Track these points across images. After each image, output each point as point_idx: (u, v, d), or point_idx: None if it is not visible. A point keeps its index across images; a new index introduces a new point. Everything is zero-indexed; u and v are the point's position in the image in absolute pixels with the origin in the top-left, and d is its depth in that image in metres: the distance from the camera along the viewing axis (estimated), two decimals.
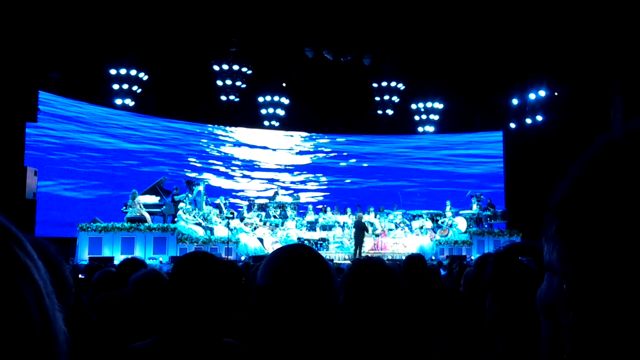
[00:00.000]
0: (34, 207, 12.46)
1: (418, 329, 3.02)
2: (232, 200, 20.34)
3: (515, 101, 20.37)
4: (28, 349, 0.45)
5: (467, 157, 23.39)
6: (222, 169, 22.45)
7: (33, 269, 0.48)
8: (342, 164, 23.79)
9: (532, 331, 1.21)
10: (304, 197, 21.00)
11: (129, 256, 4.57)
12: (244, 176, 22.83)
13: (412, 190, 22.60)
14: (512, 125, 21.07)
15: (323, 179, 23.65)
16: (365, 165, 23.81)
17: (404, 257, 7.57)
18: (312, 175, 23.64)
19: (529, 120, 20.10)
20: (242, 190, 22.32)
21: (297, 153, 23.59)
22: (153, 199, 16.82)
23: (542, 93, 19.24)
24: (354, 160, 23.83)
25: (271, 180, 22.73)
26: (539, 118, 19.72)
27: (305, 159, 23.64)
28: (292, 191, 21.59)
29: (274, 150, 23.25)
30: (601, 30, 15.21)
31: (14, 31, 12.89)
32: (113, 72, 17.40)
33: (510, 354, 1.24)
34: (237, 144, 22.78)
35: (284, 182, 22.64)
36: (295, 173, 23.49)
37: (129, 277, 2.71)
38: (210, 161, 22.21)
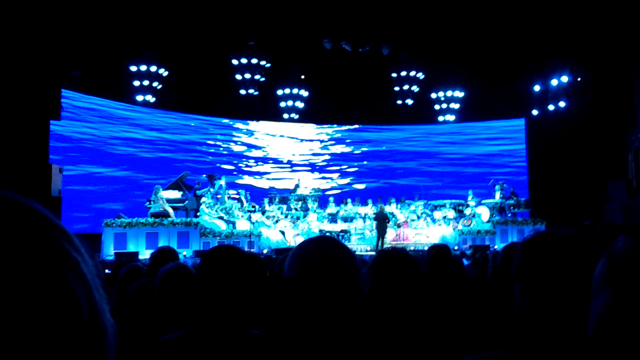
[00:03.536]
0: (59, 204, 12.66)
1: (443, 319, 3.01)
2: (254, 185, 20.48)
3: (537, 87, 20.07)
4: (80, 342, 0.46)
5: (489, 146, 23.16)
6: (243, 162, 22.57)
7: (82, 263, 0.49)
8: (362, 155, 23.73)
9: (563, 319, 1.20)
10: (325, 190, 21.00)
11: (161, 246, 4.59)
12: (265, 169, 22.92)
13: (433, 181, 22.47)
14: (535, 112, 20.77)
15: (343, 170, 23.64)
16: (385, 156, 23.71)
17: (426, 248, 7.54)
18: (332, 167, 23.63)
19: (551, 107, 19.80)
20: (263, 184, 22.41)
21: (316, 145, 23.59)
22: (175, 194, 16.99)
23: (564, 79, 18.93)
24: (373, 150, 23.75)
25: (292, 172, 22.78)
26: (562, 104, 19.42)
27: (325, 151, 23.64)
28: (316, 181, 21.65)
29: (294, 142, 23.28)
30: (624, 13, 14.90)
31: (35, 30, 13.07)
32: (133, 68, 17.56)
33: (540, 343, 1.23)
34: (257, 137, 22.87)
35: (304, 174, 22.66)
36: (315, 165, 23.51)
37: (158, 268, 2.74)
38: (231, 155, 22.34)
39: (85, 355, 0.46)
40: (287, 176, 22.76)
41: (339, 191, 22.40)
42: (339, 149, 23.73)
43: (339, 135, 23.77)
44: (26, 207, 0.48)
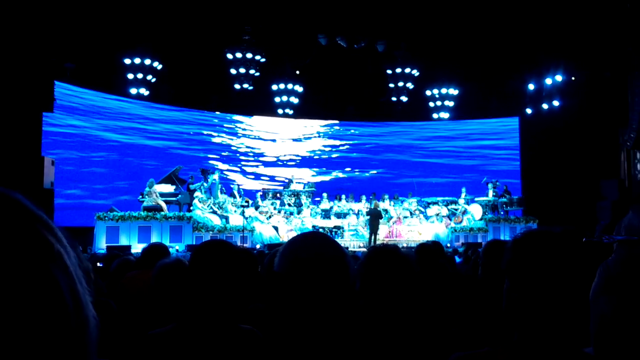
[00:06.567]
0: (52, 196, 12.61)
1: (434, 316, 3.02)
2: (247, 181, 20.45)
3: (531, 86, 20.11)
4: (64, 334, 0.46)
5: (483, 144, 23.23)
6: (236, 157, 22.52)
7: (64, 255, 0.49)
8: (355, 151, 23.74)
9: (550, 317, 1.21)
10: (318, 185, 20.99)
11: (153, 242, 4.57)
12: (258, 164, 22.88)
13: (427, 179, 22.52)
14: (529, 110, 20.83)
15: (337, 166, 23.64)
16: (379, 152, 23.73)
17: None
18: (327, 163, 23.63)
19: (545, 106, 19.86)
20: (257, 179, 22.38)
21: (310, 141, 23.56)
22: (169, 188, 16.94)
23: (558, 78, 18.98)
24: (367, 147, 23.76)
25: (285, 168, 22.76)
26: (556, 103, 19.48)
27: (320, 147, 23.62)
28: (311, 176, 21.63)
29: (288, 138, 23.25)
30: (618, 12, 14.94)
31: (30, 22, 12.98)
32: (127, 61, 17.45)
33: (528, 340, 1.23)
34: (252, 132, 22.82)
35: (298, 170, 22.65)
36: (310, 161, 23.49)
37: (149, 263, 2.73)
38: (225, 149, 22.29)
39: (69, 347, 0.46)
40: (280, 172, 22.75)
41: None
42: (333, 144, 23.71)
43: (332, 131, 23.75)
44: (9, 198, 0.48)
